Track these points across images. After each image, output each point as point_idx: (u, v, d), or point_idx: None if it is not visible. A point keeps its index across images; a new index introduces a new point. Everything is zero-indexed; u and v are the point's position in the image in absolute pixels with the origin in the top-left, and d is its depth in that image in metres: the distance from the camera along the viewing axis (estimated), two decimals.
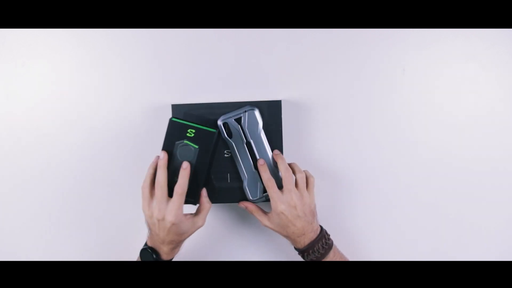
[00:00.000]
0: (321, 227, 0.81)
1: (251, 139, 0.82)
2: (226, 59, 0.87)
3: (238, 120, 0.81)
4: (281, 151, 0.84)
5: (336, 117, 0.88)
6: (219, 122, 0.82)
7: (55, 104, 0.90)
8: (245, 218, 0.92)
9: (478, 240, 0.91)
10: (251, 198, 0.84)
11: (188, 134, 0.77)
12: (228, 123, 0.81)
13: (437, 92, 0.86)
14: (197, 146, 0.78)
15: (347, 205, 0.91)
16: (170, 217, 0.73)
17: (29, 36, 0.88)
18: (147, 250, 0.79)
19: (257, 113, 0.82)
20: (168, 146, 0.78)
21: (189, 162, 0.76)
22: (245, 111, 0.81)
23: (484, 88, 0.86)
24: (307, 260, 0.80)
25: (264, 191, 0.82)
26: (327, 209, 0.88)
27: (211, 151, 0.79)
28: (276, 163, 0.80)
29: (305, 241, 0.79)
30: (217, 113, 0.82)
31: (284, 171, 0.78)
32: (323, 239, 0.79)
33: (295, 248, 0.82)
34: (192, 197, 0.79)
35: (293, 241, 0.80)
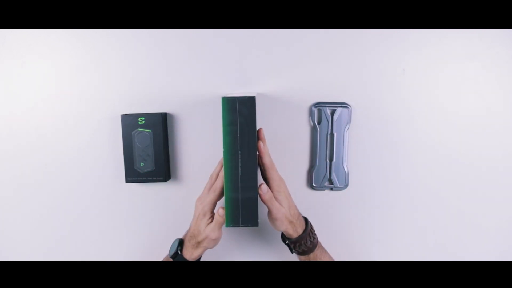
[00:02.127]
0: (304, 218, 0.82)
1: (335, 132, 0.86)
2: (226, 58, 0.87)
3: (332, 112, 0.86)
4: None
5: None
6: (313, 108, 0.86)
7: (55, 104, 0.90)
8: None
9: (478, 240, 0.91)
10: (314, 184, 0.89)
11: (139, 122, 0.86)
12: (322, 111, 0.86)
13: (437, 92, 0.86)
14: (150, 130, 0.86)
15: (345, 204, 0.91)
16: (199, 204, 0.80)
17: (29, 36, 0.88)
18: (177, 240, 0.83)
19: (349, 111, 0.86)
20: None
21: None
22: (341, 106, 0.86)
23: (484, 88, 0.86)
24: (300, 250, 0.80)
25: (330, 182, 0.89)
26: (326, 208, 0.89)
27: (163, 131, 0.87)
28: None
29: (298, 228, 0.79)
30: None
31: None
32: (310, 227, 0.81)
33: (290, 240, 0.80)
34: (160, 175, 0.87)
35: (293, 227, 0.79)
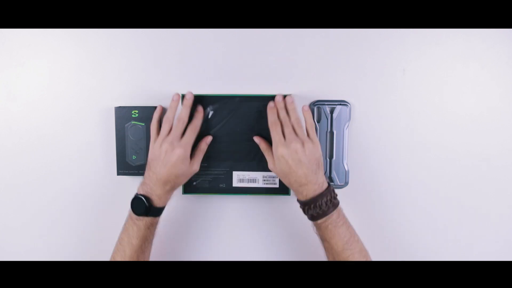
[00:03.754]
0: (329, 184, 0.79)
1: (335, 130, 0.86)
2: (232, 58, 0.87)
3: (331, 110, 0.85)
4: None
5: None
6: (312, 106, 0.86)
7: (55, 104, 0.89)
8: (247, 218, 0.91)
9: (479, 239, 0.89)
10: None
11: (133, 115, 0.85)
12: (322, 109, 0.85)
13: (437, 92, 0.86)
14: (143, 124, 0.85)
15: (345, 202, 0.86)
16: (179, 149, 0.77)
17: (29, 36, 0.88)
18: (139, 198, 0.78)
19: (349, 109, 0.85)
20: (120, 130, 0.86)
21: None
22: (340, 104, 0.85)
23: (484, 88, 0.85)
24: (308, 215, 0.78)
25: (330, 180, 0.88)
26: None
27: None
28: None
29: (308, 192, 0.76)
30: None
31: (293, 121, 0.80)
32: (328, 195, 0.76)
33: (298, 201, 0.79)
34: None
35: (296, 191, 0.78)
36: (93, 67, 0.88)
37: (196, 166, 0.82)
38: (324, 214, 0.75)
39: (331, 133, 0.86)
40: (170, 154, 0.77)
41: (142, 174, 0.85)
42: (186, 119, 0.81)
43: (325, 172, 0.88)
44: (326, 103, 0.86)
